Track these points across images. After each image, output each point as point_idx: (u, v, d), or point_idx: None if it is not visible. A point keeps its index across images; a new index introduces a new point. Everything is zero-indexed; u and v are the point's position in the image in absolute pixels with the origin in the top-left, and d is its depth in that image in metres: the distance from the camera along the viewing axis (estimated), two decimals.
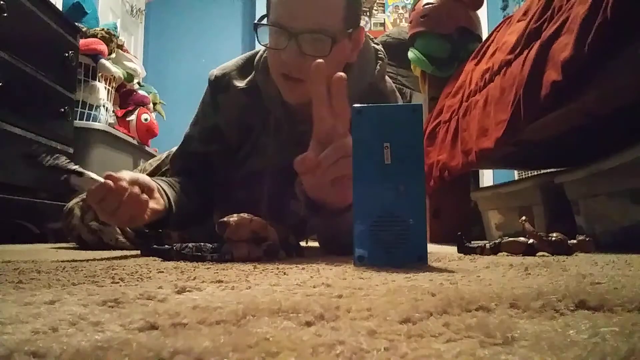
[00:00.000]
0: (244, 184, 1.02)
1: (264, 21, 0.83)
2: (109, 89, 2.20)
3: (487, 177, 3.43)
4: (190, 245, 0.67)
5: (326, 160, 0.61)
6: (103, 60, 2.12)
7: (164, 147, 1.04)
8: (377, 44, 0.97)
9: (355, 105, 0.58)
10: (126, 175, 0.73)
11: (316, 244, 1.52)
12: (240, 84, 0.95)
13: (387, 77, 0.98)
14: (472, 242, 0.90)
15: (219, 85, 0.96)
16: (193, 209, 0.92)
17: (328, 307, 0.27)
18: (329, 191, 0.65)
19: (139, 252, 0.89)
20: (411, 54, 2.05)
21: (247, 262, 0.63)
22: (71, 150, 1.83)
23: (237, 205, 1.07)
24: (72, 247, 1.16)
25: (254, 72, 0.94)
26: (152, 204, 0.76)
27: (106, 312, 0.27)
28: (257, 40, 0.84)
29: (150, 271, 0.50)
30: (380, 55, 0.95)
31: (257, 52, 0.97)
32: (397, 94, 1.02)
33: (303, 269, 0.54)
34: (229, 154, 1.00)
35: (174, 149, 1.10)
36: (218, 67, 0.99)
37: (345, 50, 0.84)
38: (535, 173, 1.89)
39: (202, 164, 1.00)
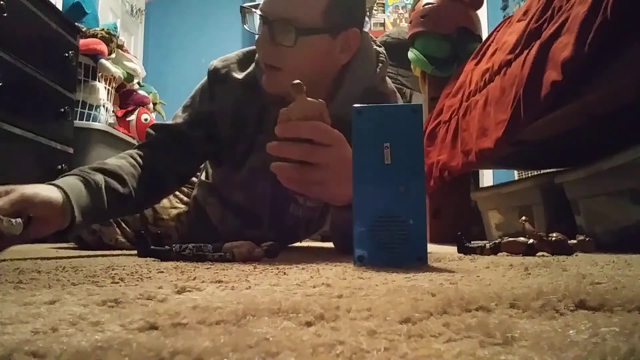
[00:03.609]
0: (243, 186, 1.01)
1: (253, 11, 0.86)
2: (109, 89, 2.20)
3: (487, 177, 3.43)
4: (190, 246, 0.67)
5: (283, 129, 0.60)
6: (103, 60, 2.12)
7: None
8: (380, 46, 0.97)
9: (356, 105, 0.58)
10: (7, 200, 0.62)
11: (317, 244, 1.52)
12: (239, 75, 0.94)
13: (387, 79, 0.98)
14: (472, 242, 0.90)
15: (217, 76, 0.96)
16: (121, 198, 0.81)
17: (328, 307, 0.27)
18: (304, 187, 0.64)
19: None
20: (411, 54, 2.05)
21: (248, 261, 0.63)
22: (71, 151, 1.83)
23: (236, 208, 1.07)
24: (72, 247, 1.16)
25: (253, 65, 0.94)
26: (38, 228, 0.66)
27: (106, 312, 0.27)
28: (242, 22, 0.88)
29: (150, 271, 0.50)
30: (381, 58, 0.94)
31: None
32: (398, 94, 1.01)
33: (303, 269, 0.54)
34: (213, 143, 0.98)
35: None
36: (220, 57, 0.99)
37: (322, 47, 0.83)
38: (535, 173, 1.89)
39: (176, 141, 0.95)
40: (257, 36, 0.85)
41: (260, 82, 0.90)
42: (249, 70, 0.94)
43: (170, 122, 0.98)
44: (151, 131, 0.98)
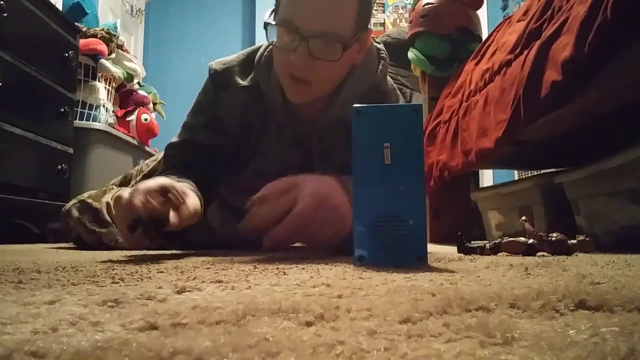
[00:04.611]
0: (244, 189, 1.01)
1: (272, 18, 0.81)
2: (109, 89, 2.20)
3: (487, 177, 3.43)
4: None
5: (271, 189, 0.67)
6: (103, 60, 2.12)
7: (164, 147, 1.01)
8: (379, 43, 0.97)
9: (356, 105, 0.58)
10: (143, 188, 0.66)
11: None
12: (242, 81, 0.92)
13: (388, 76, 0.98)
14: (472, 242, 0.90)
15: (220, 81, 0.93)
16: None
17: (328, 307, 0.27)
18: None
19: (138, 252, 0.89)
20: (411, 54, 2.04)
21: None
22: (71, 151, 1.83)
23: (236, 211, 1.06)
24: (72, 247, 1.16)
25: (254, 71, 0.92)
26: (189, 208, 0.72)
27: (106, 312, 0.27)
28: (267, 38, 0.82)
29: (150, 271, 0.50)
30: (382, 55, 0.94)
31: (257, 49, 0.95)
32: (398, 92, 1.01)
33: (303, 269, 0.54)
34: (229, 151, 0.97)
35: (157, 151, 1.06)
36: (218, 60, 0.96)
37: (354, 53, 0.83)
38: (535, 173, 1.89)
39: (206, 156, 0.95)
40: (281, 50, 0.80)
41: (265, 89, 0.89)
42: (251, 76, 0.92)
43: (188, 136, 0.96)
44: (179, 151, 0.96)
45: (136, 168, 1.38)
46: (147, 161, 1.37)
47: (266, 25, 0.81)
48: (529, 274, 0.49)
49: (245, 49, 0.99)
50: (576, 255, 0.80)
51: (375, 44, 0.94)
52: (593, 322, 0.24)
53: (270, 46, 0.90)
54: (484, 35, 1.88)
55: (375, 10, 4.11)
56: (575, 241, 0.84)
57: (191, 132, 0.96)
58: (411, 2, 2.41)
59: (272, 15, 0.82)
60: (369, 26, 0.85)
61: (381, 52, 0.94)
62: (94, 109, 2.10)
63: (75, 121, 1.93)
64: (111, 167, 2.06)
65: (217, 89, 0.94)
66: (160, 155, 1.34)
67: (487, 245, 0.84)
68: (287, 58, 0.79)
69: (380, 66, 0.92)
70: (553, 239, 0.80)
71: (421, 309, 0.26)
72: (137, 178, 1.30)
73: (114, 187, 1.25)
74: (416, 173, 0.56)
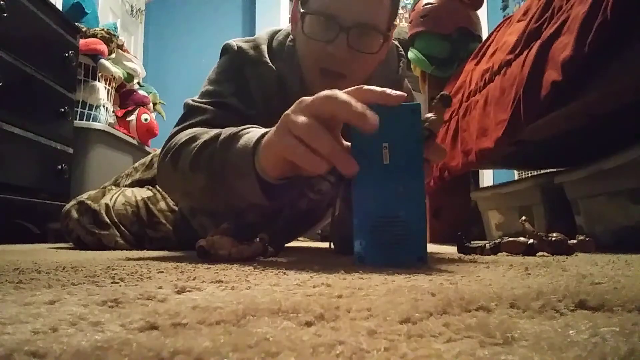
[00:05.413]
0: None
1: (301, 8, 0.78)
2: (109, 89, 2.20)
3: (487, 177, 3.43)
4: None
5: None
6: (103, 60, 2.12)
7: (183, 105, 0.90)
8: (394, 40, 0.96)
9: None
10: None
11: (317, 244, 1.52)
12: (271, 64, 0.85)
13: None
14: (472, 242, 0.90)
15: (247, 56, 0.85)
16: None
17: (328, 307, 0.27)
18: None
19: (138, 252, 0.89)
20: (411, 54, 2.05)
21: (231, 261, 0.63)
22: (71, 150, 1.83)
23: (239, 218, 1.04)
24: (72, 247, 1.16)
25: (278, 59, 0.86)
26: None
27: (106, 312, 0.27)
28: (302, 28, 0.77)
29: (150, 271, 0.50)
30: (401, 52, 0.93)
31: (275, 34, 0.90)
32: (413, 93, 1.01)
33: (303, 269, 0.54)
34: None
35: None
36: (235, 39, 0.89)
37: (386, 50, 0.82)
38: (535, 173, 1.89)
39: (240, 123, 0.78)
40: (314, 42, 0.75)
41: (288, 80, 0.83)
42: (277, 61, 0.85)
43: (217, 99, 0.83)
44: (203, 105, 0.82)
45: (126, 172, 1.35)
46: (135, 165, 1.35)
47: (304, 14, 0.77)
48: (529, 274, 0.49)
49: (264, 31, 0.92)
50: (576, 255, 0.80)
51: (392, 41, 0.94)
52: (593, 322, 0.24)
53: (290, 36, 0.87)
54: (484, 35, 1.88)
55: None
56: (575, 241, 0.84)
57: (219, 97, 0.83)
58: (411, 2, 2.41)
59: (301, 7, 0.78)
60: (394, 22, 0.84)
61: (399, 49, 0.93)
62: (94, 109, 2.10)
63: (75, 121, 1.93)
64: (111, 167, 2.06)
65: (244, 63, 0.85)
66: (148, 158, 1.33)
67: (487, 245, 0.84)
68: (323, 50, 0.75)
69: (400, 64, 0.91)
70: (553, 239, 0.80)
71: (421, 309, 0.26)
72: (126, 183, 1.29)
73: (113, 187, 1.25)
74: (416, 173, 0.56)
